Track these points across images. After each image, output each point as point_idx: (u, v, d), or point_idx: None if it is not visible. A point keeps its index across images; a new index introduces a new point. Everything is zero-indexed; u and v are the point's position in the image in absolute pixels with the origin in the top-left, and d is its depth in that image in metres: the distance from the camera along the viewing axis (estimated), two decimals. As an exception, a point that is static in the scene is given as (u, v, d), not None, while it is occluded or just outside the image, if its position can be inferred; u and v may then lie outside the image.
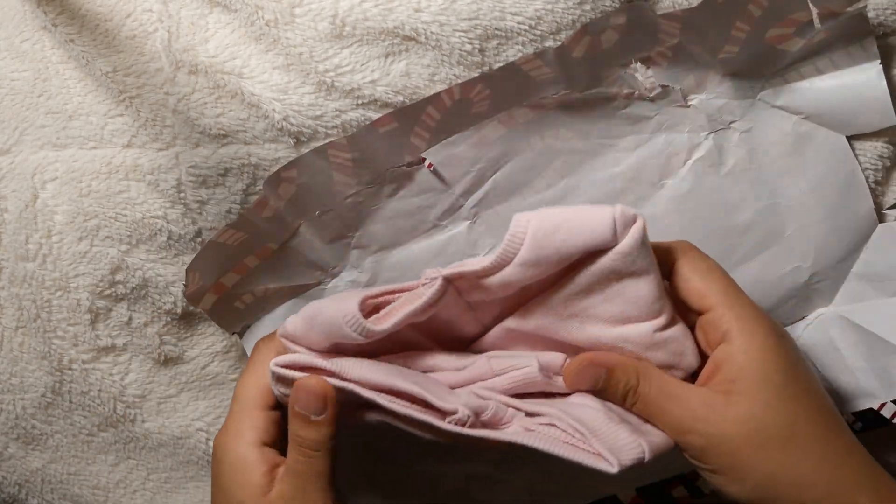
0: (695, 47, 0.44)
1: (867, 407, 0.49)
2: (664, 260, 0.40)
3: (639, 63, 0.45)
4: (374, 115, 0.45)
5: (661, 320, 0.39)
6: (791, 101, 0.46)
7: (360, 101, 0.45)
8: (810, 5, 0.42)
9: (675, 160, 0.47)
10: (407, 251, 0.49)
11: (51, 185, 0.48)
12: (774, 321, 0.40)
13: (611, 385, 0.40)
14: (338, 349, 0.40)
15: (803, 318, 0.50)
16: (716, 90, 0.46)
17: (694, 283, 0.40)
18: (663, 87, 0.46)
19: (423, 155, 0.46)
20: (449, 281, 0.40)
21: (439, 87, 0.45)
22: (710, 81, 0.46)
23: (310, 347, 0.40)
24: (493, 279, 0.40)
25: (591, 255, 0.39)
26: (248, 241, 0.47)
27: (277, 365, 0.40)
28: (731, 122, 0.47)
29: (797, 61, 0.45)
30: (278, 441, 0.42)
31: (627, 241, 0.38)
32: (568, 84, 0.45)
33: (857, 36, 0.44)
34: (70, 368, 0.51)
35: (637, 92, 0.46)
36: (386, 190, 0.47)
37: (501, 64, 0.44)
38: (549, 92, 0.45)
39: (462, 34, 0.44)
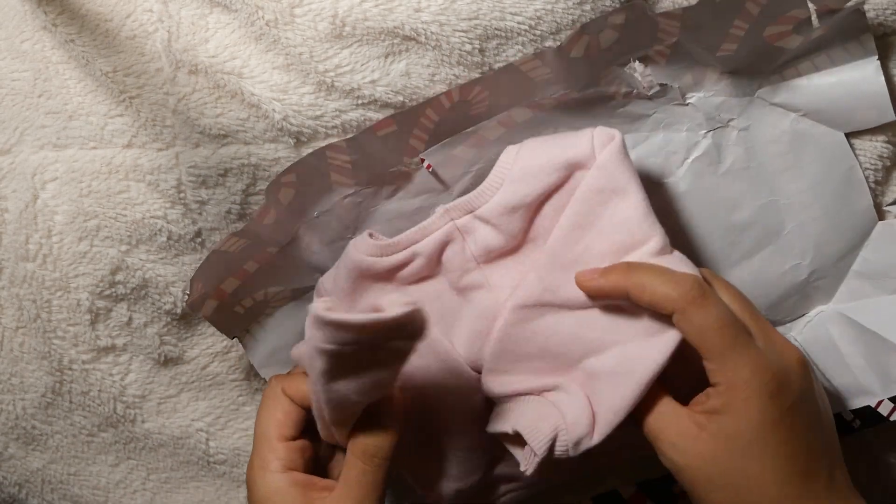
0: (693, 45, 0.45)
1: (865, 405, 0.49)
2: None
3: (637, 62, 0.45)
4: (374, 115, 0.45)
5: (654, 242, 0.41)
6: (789, 99, 0.46)
7: (360, 101, 0.45)
8: (808, 3, 0.42)
9: (673, 159, 0.47)
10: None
11: (51, 185, 0.48)
12: (788, 349, 0.39)
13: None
14: None
15: (803, 315, 0.50)
16: (714, 88, 0.46)
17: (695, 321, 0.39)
18: (661, 85, 0.46)
19: (421, 156, 0.46)
20: (451, 217, 0.44)
21: (439, 87, 0.45)
22: (707, 79, 0.46)
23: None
24: (492, 205, 0.43)
25: (576, 175, 0.43)
26: (249, 247, 0.47)
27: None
28: (729, 121, 0.47)
29: (795, 58, 0.45)
30: (305, 470, 0.42)
31: (605, 153, 0.42)
32: (566, 84, 0.45)
33: (854, 32, 0.44)
34: (70, 368, 0.51)
35: (635, 90, 0.46)
36: (384, 191, 0.47)
37: (501, 64, 0.45)
38: (548, 92, 0.45)
39: (462, 34, 0.44)
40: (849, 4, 0.42)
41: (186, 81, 0.46)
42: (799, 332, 0.50)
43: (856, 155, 0.47)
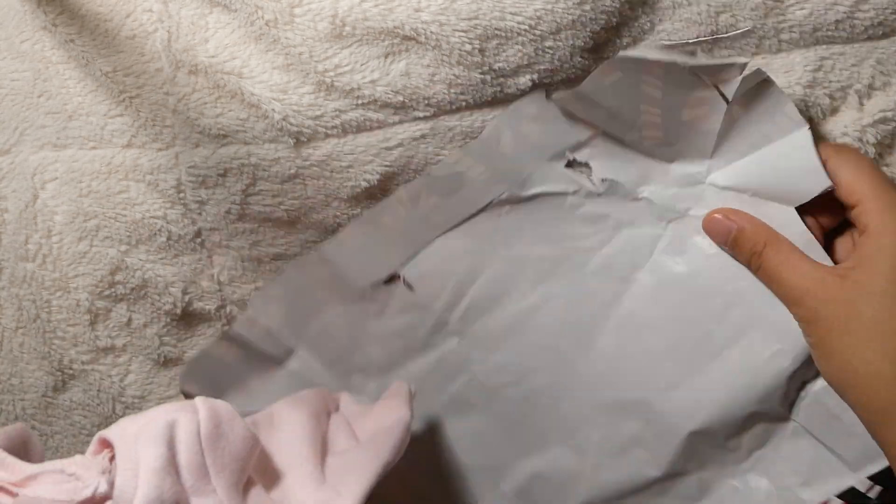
0: (616, 131, 0.45)
1: (880, 468, 0.45)
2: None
3: (574, 156, 0.46)
4: (374, 115, 0.45)
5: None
6: (736, 181, 0.44)
7: (359, 101, 0.45)
8: (704, 78, 0.40)
9: (640, 254, 0.47)
10: (405, 373, 0.50)
11: (51, 185, 0.48)
12: None
13: (738, 244, 0.43)
14: None
15: (798, 398, 0.47)
16: (663, 180, 0.45)
17: (843, 176, 0.41)
18: (608, 180, 0.46)
19: (396, 271, 0.47)
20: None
21: (439, 87, 0.45)
22: (653, 171, 0.45)
23: None
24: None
25: None
26: (246, 357, 0.49)
27: None
28: (687, 210, 0.46)
29: (731, 139, 0.44)
30: None
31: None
32: (506, 184, 0.46)
33: (777, 105, 0.42)
34: (70, 368, 0.51)
35: (583, 188, 0.46)
36: (371, 308, 0.48)
37: (501, 65, 0.44)
38: (493, 194, 0.46)
39: (462, 34, 0.44)
40: (746, 72, 0.40)
41: (186, 81, 0.46)
42: (796, 415, 0.47)
43: (809, 228, 0.44)
